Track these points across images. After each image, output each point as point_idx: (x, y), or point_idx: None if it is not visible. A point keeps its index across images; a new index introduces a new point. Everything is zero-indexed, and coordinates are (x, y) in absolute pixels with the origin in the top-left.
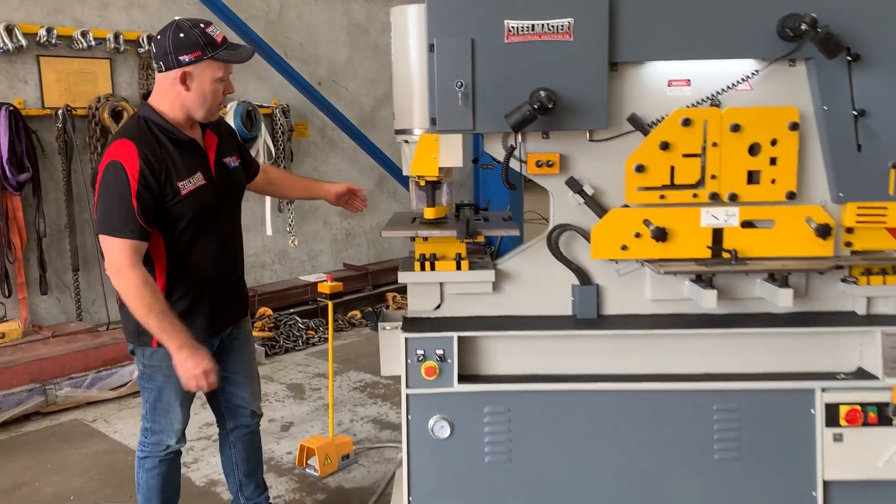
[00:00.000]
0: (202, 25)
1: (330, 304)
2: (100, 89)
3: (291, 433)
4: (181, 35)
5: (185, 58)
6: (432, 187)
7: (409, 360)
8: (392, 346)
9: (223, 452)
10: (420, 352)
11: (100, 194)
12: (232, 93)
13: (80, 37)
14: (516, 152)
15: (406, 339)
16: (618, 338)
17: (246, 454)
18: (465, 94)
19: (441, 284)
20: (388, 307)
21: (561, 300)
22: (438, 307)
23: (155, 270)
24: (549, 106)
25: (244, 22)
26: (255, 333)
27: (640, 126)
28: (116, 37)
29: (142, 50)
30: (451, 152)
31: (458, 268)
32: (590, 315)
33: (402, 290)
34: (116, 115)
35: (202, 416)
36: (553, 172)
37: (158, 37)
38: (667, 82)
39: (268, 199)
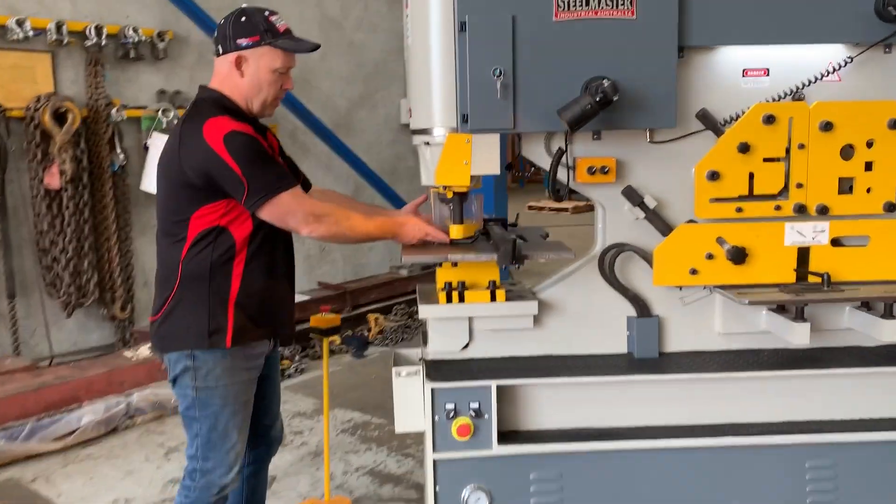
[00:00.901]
0: (267, 13)
1: (325, 340)
2: (40, 87)
3: (276, 490)
4: (243, 19)
5: (243, 41)
6: (460, 199)
7: (436, 417)
8: (409, 397)
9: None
10: (450, 406)
11: (235, 162)
12: (290, 88)
13: (15, 26)
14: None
15: (433, 389)
16: (687, 383)
17: (258, 495)
18: (505, 85)
19: (470, 319)
20: (370, 330)
21: (614, 335)
22: (466, 346)
23: (235, 250)
24: (614, 98)
25: (207, 14)
26: None
27: (713, 124)
28: (59, 27)
29: (89, 43)
30: (486, 157)
31: (493, 298)
32: (650, 354)
33: (385, 310)
34: (60, 117)
35: None
36: (608, 181)
37: (222, 21)
38: (741, 72)
39: None
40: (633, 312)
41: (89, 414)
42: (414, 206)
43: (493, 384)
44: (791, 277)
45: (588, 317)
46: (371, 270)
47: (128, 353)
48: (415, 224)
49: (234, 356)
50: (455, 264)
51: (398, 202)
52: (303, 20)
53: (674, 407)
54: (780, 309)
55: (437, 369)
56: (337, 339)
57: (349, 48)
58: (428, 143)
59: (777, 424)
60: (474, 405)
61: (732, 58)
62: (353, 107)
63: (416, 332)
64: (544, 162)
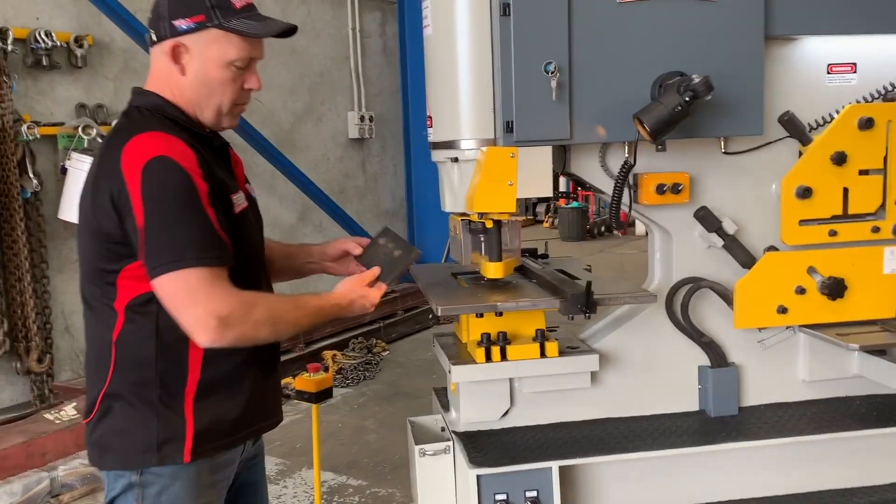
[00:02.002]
0: None
1: (315, 409)
2: None
3: None
4: None
5: (183, 23)
6: (498, 230)
7: None
8: (439, 481)
9: None
10: (501, 497)
11: (142, 203)
12: (257, 89)
13: None
14: (614, 169)
15: (478, 477)
16: (778, 448)
17: None
18: (561, 84)
19: (511, 380)
20: (327, 370)
21: (682, 390)
22: (506, 413)
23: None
24: (706, 98)
25: (133, 16)
26: None
27: (799, 130)
28: None
29: None
30: (537, 175)
31: (543, 353)
32: (728, 410)
33: (341, 345)
34: None
35: None
36: (680, 201)
37: None
38: (826, 68)
39: None
40: (704, 361)
41: (3, 497)
42: (339, 252)
43: (555, 466)
44: (891, 311)
45: (652, 369)
46: None
47: (49, 415)
48: (357, 292)
49: (197, 471)
50: (500, 313)
51: (350, 224)
52: None
53: (764, 474)
54: (879, 351)
55: (474, 446)
56: (292, 381)
57: (291, 56)
58: (455, 160)
59: (887, 487)
60: (531, 493)
61: (816, 51)
62: (297, 121)
63: (378, 369)
64: (598, 179)
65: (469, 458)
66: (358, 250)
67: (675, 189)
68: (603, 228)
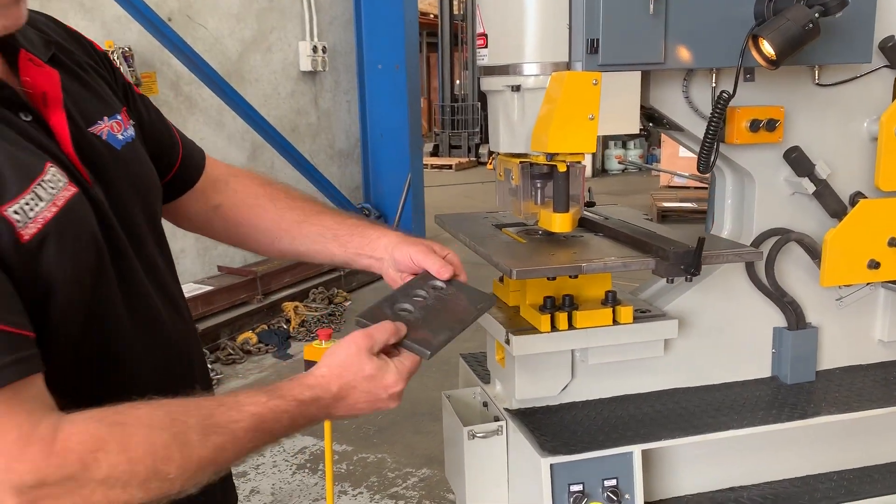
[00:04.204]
0: None
1: None
2: None
3: None
4: None
5: None
6: (567, 176)
7: None
8: (489, 465)
9: None
10: (576, 488)
11: None
12: None
13: None
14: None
15: (552, 466)
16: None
17: None
18: None
19: (573, 352)
20: (289, 322)
21: (754, 355)
22: (566, 387)
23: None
24: (838, 15)
25: None
26: None
27: None
28: None
29: None
30: (624, 106)
31: (615, 320)
32: (806, 377)
33: (301, 295)
34: None
35: None
36: (774, 140)
37: None
38: None
39: None
40: (779, 322)
41: None
42: (416, 267)
43: (636, 450)
44: None
45: (724, 333)
46: None
47: None
48: (382, 390)
49: None
50: (575, 276)
51: (304, 165)
52: None
53: (841, 446)
54: None
55: (535, 426)
56: (252, 336)
57: None
58: (517, 89)
59: None
60: (610, 482)
61: None
62: (245, 50)
63: (342, 320)
64: (680, 114)
65: (540, 445)
66: (446, 273)
67: (771, 125)
68: None
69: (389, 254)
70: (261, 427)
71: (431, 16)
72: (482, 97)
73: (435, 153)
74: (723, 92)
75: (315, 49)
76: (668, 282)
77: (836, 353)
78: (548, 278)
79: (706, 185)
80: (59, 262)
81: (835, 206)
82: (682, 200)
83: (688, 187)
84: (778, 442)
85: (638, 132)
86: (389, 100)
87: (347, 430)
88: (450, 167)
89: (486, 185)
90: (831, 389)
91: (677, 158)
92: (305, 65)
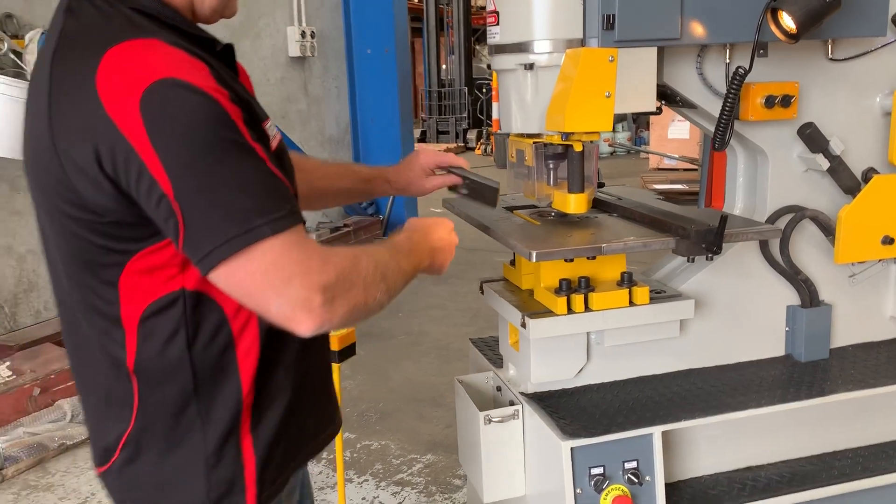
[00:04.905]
0: None
1: (336, 368)
2: None
3: None
4: None
5: None
6: (581, 156)
7: (577, 490)
8: (506, 450)
9: None
10: (597, 471)
11: (175, 170)
12: None
13: None
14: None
15: (572, 450)
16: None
17: None
18: None
19: (588, 334)
20: None
21: (768, 333)
22: (581, 370)
23: (231, 329)
24: None
25: None
26: None
27: None
28: None
29: None
30: (641, 83)
31: (631, 301)
32: (820, 354)
33: None
34: None
35: None
36: (789, 116)
37: None
38: None
39: None
40: (792, 300)
41: None
42: (428, 168)
43: (656, 431)
44: None
45: (737, 312)
46: None
47: None
48: (451, 238)
49: None
50: (593, 257)
51: (294, 151)
52: None
53: (855, 424)
54: None
55: (553, 410)
56: None
57: None
58: (530, 67)
59: None
60: (630, 464)
61: None
62: (233, 36)
63: None
64: (694, 91)
65: (560, 428)
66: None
67: (786, 101)
68: None
69: (407, 161)
70: (409, 254)
71: (416, 0)
72: (470, 82)
73: (423, 139)
74: (739, 68)
75: (304, 34)
76: (688, 261)
77: (848, 330)
78: (565, 260)
79: (696, 168)
80: (282, 171)
81: (849, 182)
82: (672, 182)
83: (677, 169)
84: (794, 420)
85: (654, 110)
86: (379, 85)
87: (350, 418)
88: None
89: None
90: (846, 367)
91: (666, 141)
92: (294, 50)
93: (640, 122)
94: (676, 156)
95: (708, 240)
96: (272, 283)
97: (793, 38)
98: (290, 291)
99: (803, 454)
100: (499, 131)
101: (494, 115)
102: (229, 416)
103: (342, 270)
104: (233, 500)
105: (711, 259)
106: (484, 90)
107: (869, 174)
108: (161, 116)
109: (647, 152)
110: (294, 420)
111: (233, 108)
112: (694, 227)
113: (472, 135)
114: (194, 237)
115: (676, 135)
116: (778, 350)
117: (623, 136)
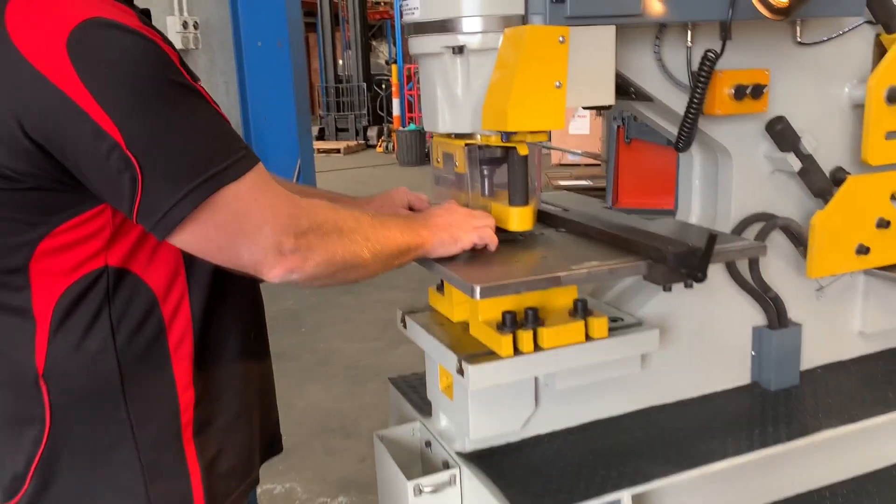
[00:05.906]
0: None
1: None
2: None
3: None
4: None
5: None
6: (525, 160)
7: None
8: None
9: None
10: None
11: (121, 118)
12: None
13: None
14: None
15: None
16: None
17: None
18: None
19: (536, 378)
20: None
21: (732, 359)
22: (528, 419)
23: (162, 314)
24: None
25: None
26: None
27: (888, 12)
28: None
29: None
30: (597, 70)
31: (588, 335)
32: (790, 381)
33: None
34: None
35: None
36: (759, 109)
37: None
38: None
39: None
40: (758, 321)
41: None
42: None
43: (626, 496)
44: None
45: (702, 338)
46: None
47: None
48: (452, 216)
49: None
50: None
51: None
52: None
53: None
54: None
55: (497, 474)
56: None
57: None
58: (459, 51)
59: None
60: None
61: None
62: None
63: None
64: (650, 80)
65: (506, 497)
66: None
67: (757, 92)
68: None
69: (387, 196)
70: (409, 233)
71: None
72: (368, 78)
73: (321, 137)
74: (708, 51)
75: (185, 25)
76: (664, 289)
77: (815, 350)
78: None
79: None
80: None
81: (821, 184)
82: (576, 178)
83: (579, 165)
84: (767, 460)
85: (613, 102)
86: (272, 80)
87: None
88: (338, 151)
89: (377, 168)
90: (819, 394)
91: (567, 136)
92: (176, 42)
93: None
94: (580, 151)
95: (690, 264)
96: (244, 229)
97: (783, 13)
98: (259, 238)
99: (781, 496)
100: (401, 129)
101: (395, 112)
102: (165, 418)
103: (315, 216)
104: None
105: (691, 286)
106: (384, 86)
107: (839, 174)
108: (95, 60)
109: (550, 148)
110: (242, 424)
111: (170, 50)
112: (672, 248)
113: (372, 132)
114: (153, 189)
115: (577, 130)
116: (743, 377)
117: None
